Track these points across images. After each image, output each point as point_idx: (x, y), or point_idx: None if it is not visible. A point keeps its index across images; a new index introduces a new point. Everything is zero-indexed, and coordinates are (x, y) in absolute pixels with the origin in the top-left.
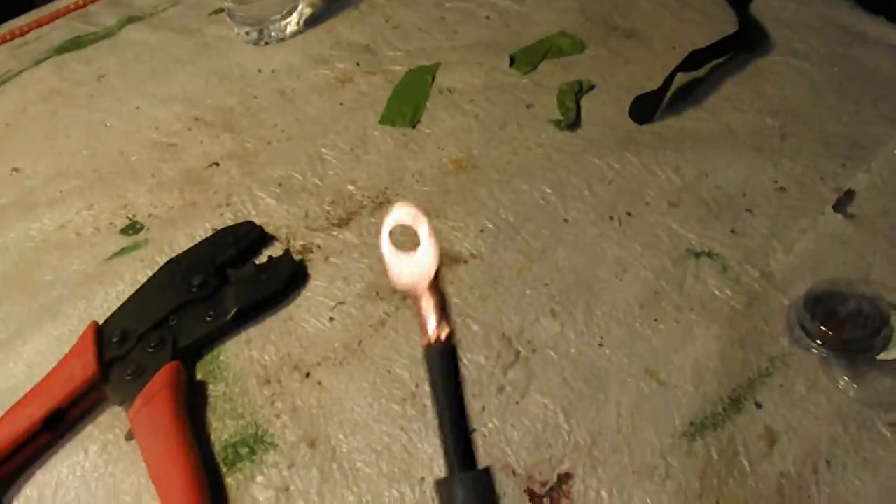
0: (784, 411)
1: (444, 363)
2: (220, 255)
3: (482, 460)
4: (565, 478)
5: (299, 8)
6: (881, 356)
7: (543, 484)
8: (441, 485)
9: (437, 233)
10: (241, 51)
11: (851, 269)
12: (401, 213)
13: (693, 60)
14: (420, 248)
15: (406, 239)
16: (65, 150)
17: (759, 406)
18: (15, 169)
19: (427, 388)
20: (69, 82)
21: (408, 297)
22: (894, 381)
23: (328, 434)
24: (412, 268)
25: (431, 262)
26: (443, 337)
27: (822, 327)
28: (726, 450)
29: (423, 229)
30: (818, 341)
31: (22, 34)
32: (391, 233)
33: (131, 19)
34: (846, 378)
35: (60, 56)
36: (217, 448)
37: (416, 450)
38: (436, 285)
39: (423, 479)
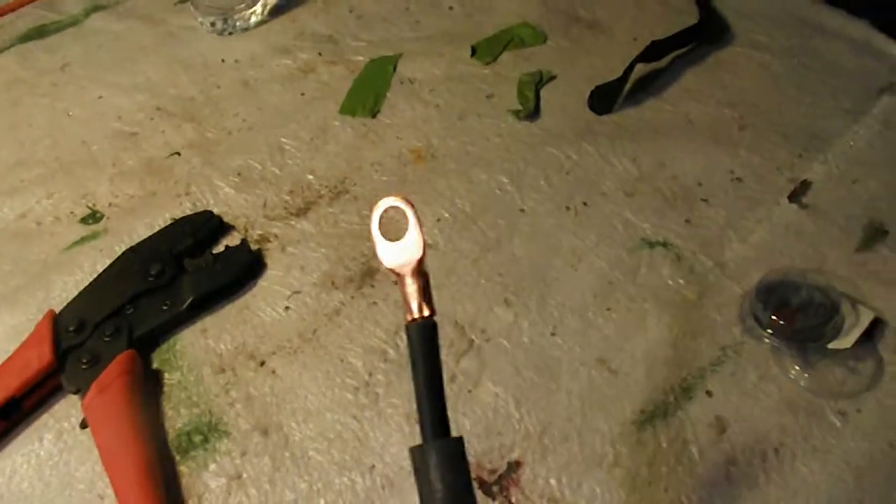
0: (735, 400)
1: (426, 338)
2: (178, 245)
3: None
4: (515, 466)
5: None
6: (832, 345)
7: (493, 472)
8: (416, 451)
9: (395, 223)
10: (205, 40)
11: (805, 258)
12: (390, 202)
13: (653, 51)
14: (408, 234)
15: (392, 227)
16: (27, 139)
17: (709, 395)
18: None
19: (380, 376)
20: (32, 71)
21: (394, 278)
22: (844, 369)
23: (281, 422)
24: (400, 251)
25: (418, 248)
26: (425, 313)
27: (773, 317)
28: (676, 438)
29: (411, 219)
30: (770, 331)
31: None
32: (380, 219)
33: (97, 7)
34: (797, 367)
35: (24, 44)
36: (171, 436)
37: (368, 438)
38: (420, 268)
39: (373, 466)
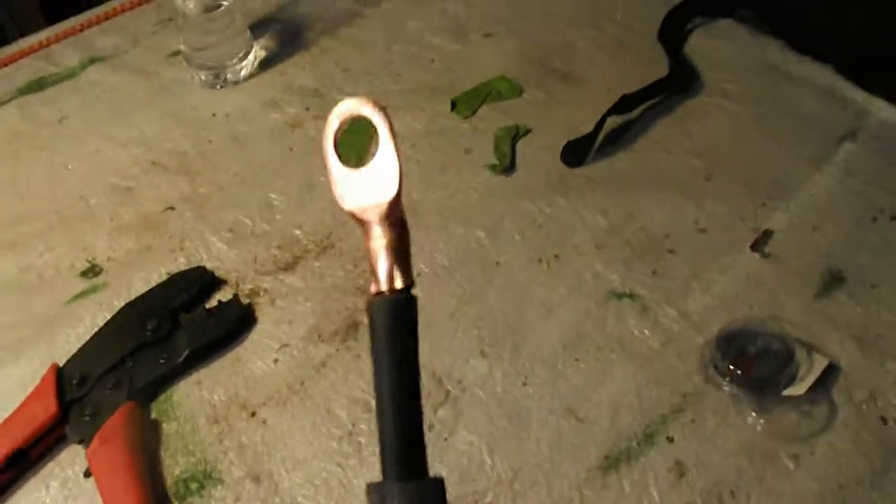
0: (694, 445)
1: (396, 321)
2: (173, 300)
3: None
4: None
5: (254, 51)
6: (787, 392)
7: None
8: (373, 491)
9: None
10: (197, 93)
11: (765, 307)
12: (352, 106)
13: (625, 104)
14: (377, 157)
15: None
16: (26, 192)
17: (670, 440)
18: None
19: (363, 426)
20: (32, 124)
21: (358, 227)
22: (798, 414)
23: (271, 470)
24: (365, 185)
25: (392, 179)
26: (397, 285)
27: (731, 366)
28: (638, 482)
29: (383, 131)
30: (728, 379)
31: None
32: (338, 139)
33: (93, 60)
34: (754, 413)
35: (24, 97)
36: (169, 483)
37: (352, 485)
38: (394, 213)
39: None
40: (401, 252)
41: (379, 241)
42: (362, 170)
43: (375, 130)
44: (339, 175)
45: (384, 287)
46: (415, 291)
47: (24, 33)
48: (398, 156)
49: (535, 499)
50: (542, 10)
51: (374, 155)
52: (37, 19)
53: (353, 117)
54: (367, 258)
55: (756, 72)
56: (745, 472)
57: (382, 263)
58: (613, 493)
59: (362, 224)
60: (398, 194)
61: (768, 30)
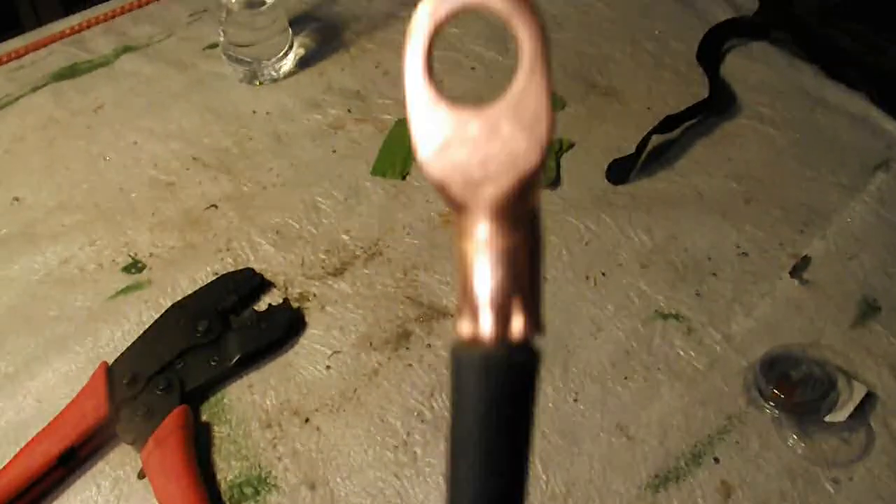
0: (739, 466)
1: (506, 395)
2: (222, 302)
3: None
4: None
5: (293, 49)
6: (828, 418)
7: None
8: None
9: (427, 287)
10: (235, 89)
11: (804, 333)
12: None
13: (667, 124)
14: (510, 95)
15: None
16: (65, 181)
17: (716, 461)
18: (16, 199)
19: (417, 436)
20: (67, 111)
21: (458, 217)
22: (839, 440)
23: (327, 478)
24: (479, 140)
25: (533, 134)
26: (516, 331)
27: (775, 390)
28: (686, 501)
29: (527, 44)
30: (771, 402)
31: (18, 56)
32: (432, 52)
33: (127, 49)
34: (795, 436)
35: (58, 83)
36: (223, 487)
37: (409, 494)
38: (526, 198)
39: None
40: (528, 269)
41: (487, 245)
42: (480, 113)
43: None
44: (431, 113)
45: (488, 330)
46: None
47: (41, 22)
48: (548, 94)
49: None
50: (579, 21)
51: (513, 85)
52: (55, 7)
53: (459, 10)
54: (460, 271)
55: (791, 96)
56: (788, 495)
57: (491, 284)
58: None
59: (458, 209)
60: (541, 164)
61: (802, 55)
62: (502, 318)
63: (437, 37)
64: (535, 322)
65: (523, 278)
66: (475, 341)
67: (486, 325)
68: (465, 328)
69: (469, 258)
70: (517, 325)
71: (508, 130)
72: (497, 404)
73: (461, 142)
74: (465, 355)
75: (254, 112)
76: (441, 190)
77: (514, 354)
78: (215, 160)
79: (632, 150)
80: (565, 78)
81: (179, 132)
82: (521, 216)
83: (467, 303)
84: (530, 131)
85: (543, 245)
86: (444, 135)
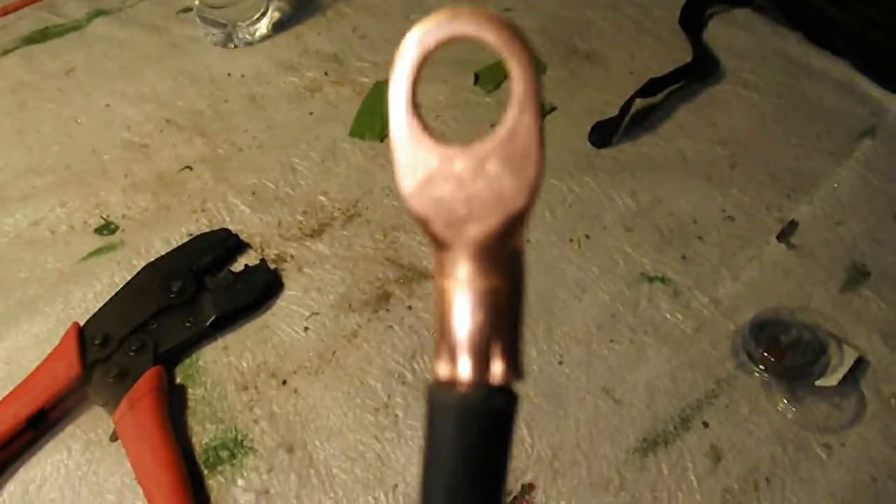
0: (728, 431)
1: (484, 439)
2: (197, 262)
3: None
4: (528, 488)
5: (269, 12)
6: (819, 382)
7: (507, 494)
8: None
9: (408, 249)
10: (210, 52)
11: (793, 298)
12: (458, 22)
13: (650, 87)
14: (501, 130)
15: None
16: (35, 144)
17: (706, 425)
18: None
19: (398, 399)
20: (38, 75)
21: (438, 255)
22: (830, 405)
23: (305, 440)
24: (465, 176)
25: (524, 174)
26: (495, 374)
27: (765, 353)
28: (676, 465)
29: (520, 80)
30: (761, 366)
31: None
32: (417, 84)
33: (99, 13)
34: (785, 401)
35: (28, 47)
36: (198, 450)
37: (389, 458)
38: (512, 240)
39: (395, 485)
40: (509, 312)
41: (468, 285)
42: (467, 150)
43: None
44: (416, 148)
45: (467, 373)
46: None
47: None
48: (539, 134)
49: (575, 479)
50: None
51: (502, 124)
52: None
53: (449, 40)
54: (438, 309)
55: (775, 63)
56: (779, 460)
57: (470, 327)
58: (652, 476)
59: (439, 246)
60: (529, 206)
61: (786, 21)
62: (481, 362)
63: (421, 65)
64: (514, 366)
65: (504, 321)
66: (452, 383)
67: (465, 369)
68: (442, 369)
69: (448, 298)
70: (496, 369)
71: (496, 169)
72: (472, 449)
73: (446, 178)
74: (441, 397)
75: (228, 75)
76: (423, 225)
77: (492, 398)
78: (189, 122)
79: (614, 114)
80: (546, 41)
81: (153, 95)
82: (504, 258)
83: (445, 343)
84: (519, 172)
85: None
86: (427, 169)
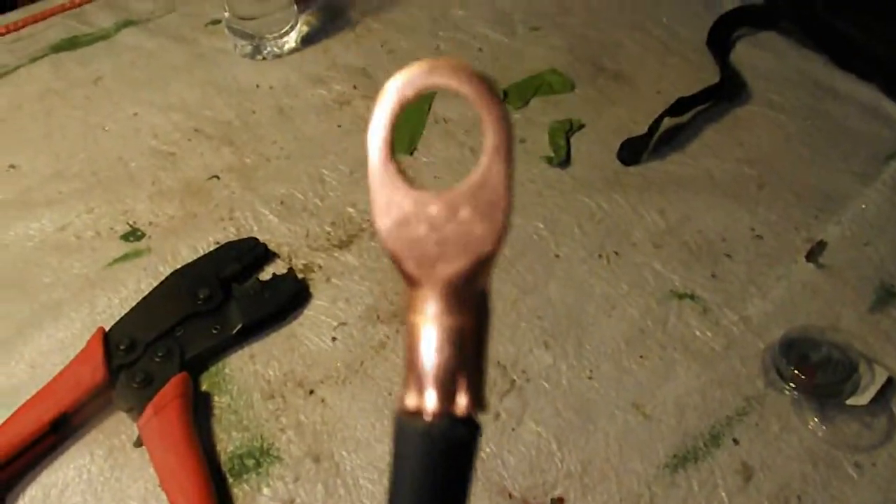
0: (759, 448)
1: (448, 468)
2: (225, 270)
3: (480, 482)
4: (558, 502)
5: (298, 26)
6: (849, 401)
7: None
8: None
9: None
10: (238, 64)
11: (822, 317)
12: (431, 74)
13: (678, 106)
14: (473, 177)
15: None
16: (62, 151)
17: (736, 442)
18: (12, 166)
19: None
20: (65, 82)
21: (411, 291)
22: (860, 424)
23: (332, 450)
24: (438, 218)
25: (493, 218)
26: (460, 406)
27: (795, 371)
28: (706, 482)
29: (490, 128)
30: (791, 384)
31: (16, 29)
32: (395, 126)
33: (128, 23)
34: (816, 419)
35: (57, 55)
36: (223, 458)
37: None
38: (480, 281)
39: None
40: (474, 348)
41: (436, 322)
42: (441, 195)
43: (427, 112)
44: (392, 190)
45: (432, 405)
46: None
47: None
48: (509, 182)
49: (604, 494)
50: (586, 7)
51: (474, 171)
52: None
53: (427, 90)
54: (407, 343)
55: (800, 85)
56: (809, 478)
57: (437, 361)
58: (682, 492)
59: (411, 283)
60: (496, 250)
61: (811, 44)
62: (446, 395)
63: (398, 109)
64: (477, 399)
65: (469, 356)
66: (419, 413)
67: (431, 401)
68: (410, 400)
69: (417, 332)
70: (461, 402)
71: (467, 215)
72: (436, 475)
73: (420, 220)
74: (408, 426)
75: (257, 86)
76: (395, 262)
77: (456, 429)
78: (217, 132)
79: (642, 132)
80: (574, 60)
81: (181, 104)
82: (471, 297)
83: (413, 376)
84: (488, 218)
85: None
86: (403, 211)
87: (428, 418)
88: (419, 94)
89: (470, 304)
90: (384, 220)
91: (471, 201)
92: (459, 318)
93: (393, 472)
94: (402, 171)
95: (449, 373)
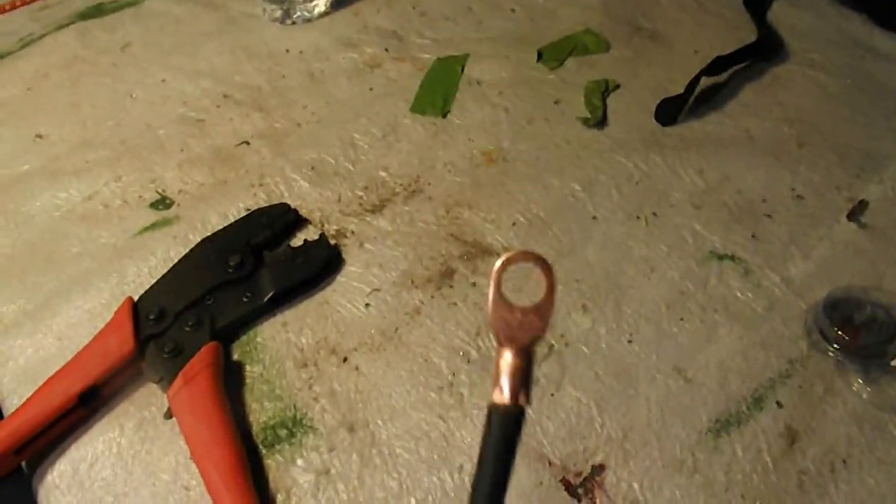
0: (803, 411)
1: (506, 430)
2: (255, 236)
3: (519, 449)
4: (598, 469)
5: None
6: (894, 362)
7: (578, 474)
8: None
9: (472, 225)
10: (268, 29)
11: (865, 277)
12: (518, 256)
13: (716, 66)
14: (538, 304)
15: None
16: (89, 119)
17: (779, 405)
18: (38, 135)
19: (463, 377)
20: (92, 50)
21: (498, 348)
22: None
23: (367, 419)
24: (520, 321)
25: (544, 324)
26: (520, 402)
27: (838, 332)
28: (750, 446)
29: (549, 285)
30: (835, 345)
31: None
32: (501, 279)
33: None
34: (860, 381)
35: (84, 22)
36: (256, 429)
37: (455, 437)
38: (531, 348)
39: (461, 466)
40: (526, 375)
41: (509, 361)
42: (520, 307)
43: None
44: (500, 308)
45: (507, 400)
46: (512, 241)
47: None
48: (552, 306)
49: (647, 459)
50: None
51: (536, 300)
52: None
53: (517, 262)
54: (495, 369)
55: (840, 44)
56: (855, 441)
57: (508, 381)
58: (726, 458)
59: (499, 344)
60: (544, 334)
61: (850, 3)
62: (514, 397)
63: (502, 270)
64: (528, 399)
65: (525, 377)
66: (500, 404)
67: (507, 399)
68: (496, 397)
69: (500, 365)
70: (521, 400)
71: (532, 319)
72: (509, 436)
73: (511, 317)
74: (495, 410)
75: (287, 51)
76: (495, 334)
77: (518, 412)
78: (247, 98)
79: (678, 92)
80: (608, 20)
81: (210, 70)
82: (526, 352)
83: (498, 386)
84: (542, 321)
85: (534, 356)
86: (504, 316)
87: (504, 407)
88: (510, 265)
89: (525, 356)
90: (493, 317)
91: (535, 313)
92: (519, 363)
93: (486, 437)
94: (504, 297)
95: (516, 387)
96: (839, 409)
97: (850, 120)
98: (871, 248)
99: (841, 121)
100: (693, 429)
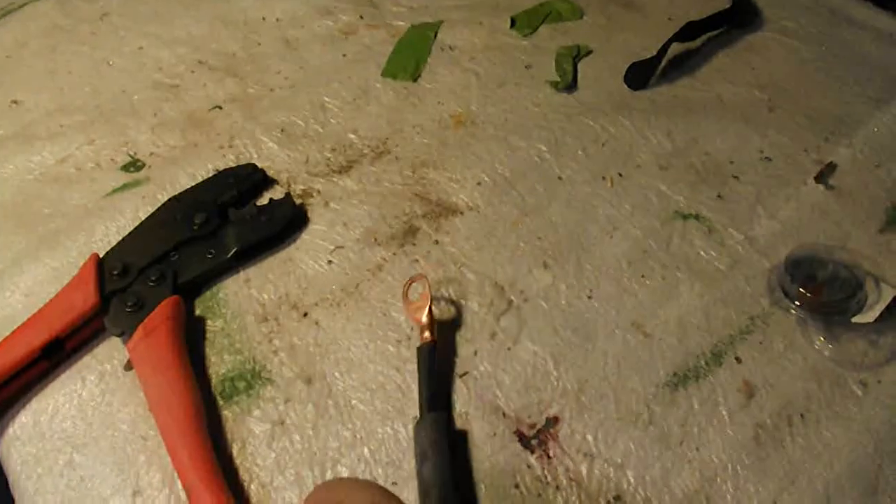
0: (762, 367)
1: (430, 354)
2: (222, 195)
3: (473, 401)
4: (553, 421)
5: None
6: (855, 319)
7: (532, 426)
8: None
9: (437, 185)
10: None
11: (831, 237)
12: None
13: (688, 31)
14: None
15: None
16: (66, 85)
17: (738, 361)
18: (14, 101)
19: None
20: (72, 19)
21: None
22: (866, 342)
23: (324, 372)
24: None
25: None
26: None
27: (801, 289)
28: (707, 400)
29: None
30: (797, 302)
31: None
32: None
33: None
34: (822, 338)
35: None
36: (214, 381)
37: (410, 390)
38: (429, 316)
39: (416, 417)
40: (430, 327)
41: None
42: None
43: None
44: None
45: (423, 341)
46: (476, 200)
47: None
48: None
49: (602, 412)
50: None
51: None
52: None
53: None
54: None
55: (815, 11)
56: (813, 396)
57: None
58: (682, 411)
59: (415, 319)
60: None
61: None
62: (424, 339)
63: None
64: (433, 339)
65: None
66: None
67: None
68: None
69: (417, 321)
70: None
71: (421, 307)
72: (429, 364)
73: (414, 307)
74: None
75: (263, 19)
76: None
77: (430, 344)
78: (221, 64)
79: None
80: None
81: (187, 38)
82: (428, 319)
83: (422, 334)
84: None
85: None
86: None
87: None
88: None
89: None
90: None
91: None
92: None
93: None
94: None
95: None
96: (799, 364)
97: (823, 85)
98: (838, 210)
99: (813, 86)
100: (650, 382)
